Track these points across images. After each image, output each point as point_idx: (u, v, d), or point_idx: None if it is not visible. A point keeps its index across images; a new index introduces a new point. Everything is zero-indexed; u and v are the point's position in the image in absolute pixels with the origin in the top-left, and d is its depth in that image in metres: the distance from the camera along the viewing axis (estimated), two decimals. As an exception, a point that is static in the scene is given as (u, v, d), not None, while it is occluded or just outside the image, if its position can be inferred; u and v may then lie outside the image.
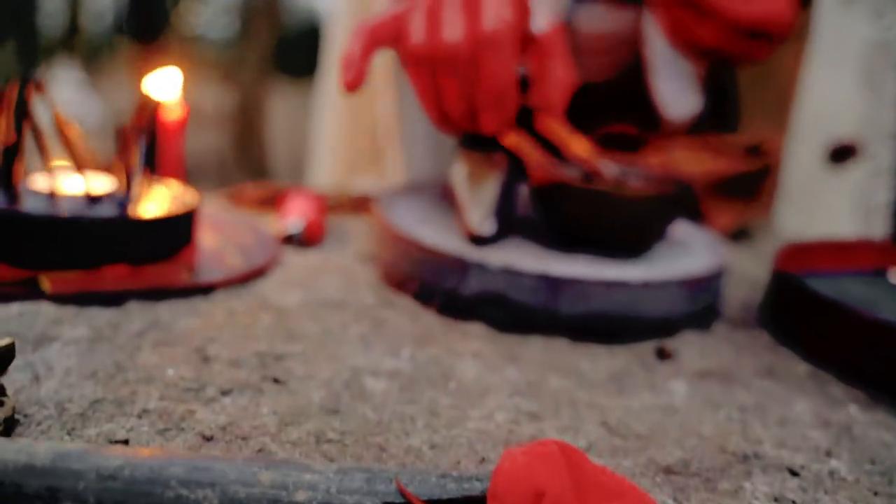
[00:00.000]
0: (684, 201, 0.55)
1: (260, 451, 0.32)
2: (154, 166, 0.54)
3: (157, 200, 0.52)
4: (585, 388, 0.41)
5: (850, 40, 0.79)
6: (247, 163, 4.35)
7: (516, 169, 0.55)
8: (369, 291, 0.52)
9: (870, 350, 0.44)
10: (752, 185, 0.78)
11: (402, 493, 0.27)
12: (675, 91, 0.79)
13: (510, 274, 0.47)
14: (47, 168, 0.51)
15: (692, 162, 0.76)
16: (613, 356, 0.45)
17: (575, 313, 0.47)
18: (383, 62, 0.84)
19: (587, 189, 0.53)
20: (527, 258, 0.50)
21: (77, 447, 0.27)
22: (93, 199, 0.50)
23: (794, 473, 0.34)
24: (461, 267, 0.48)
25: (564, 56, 0.53)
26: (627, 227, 0.53)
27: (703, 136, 0.80)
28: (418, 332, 0.46)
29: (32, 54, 4.90)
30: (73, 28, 4.88)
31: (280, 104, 5.29)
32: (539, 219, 0.56)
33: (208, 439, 0.32)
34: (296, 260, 0.57)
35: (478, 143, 0.54)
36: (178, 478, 0.26)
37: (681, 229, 0.61)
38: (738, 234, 0.78)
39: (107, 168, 0.53)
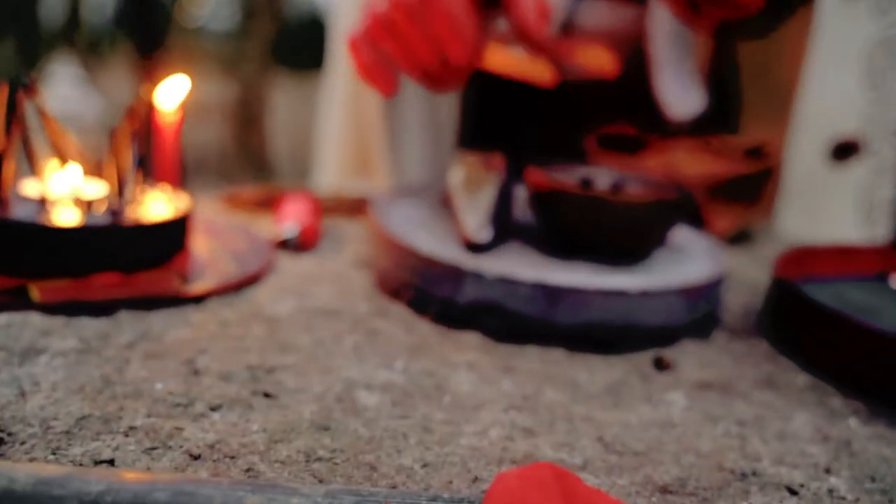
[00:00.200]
0: (684, 207, 0.54)
1: (248, 470, 0.31)
2: (148, 170, 0.53)
3: (149, 206, 0.51)
4: (582, 402, 0.40)
5: (852, 38, 0.79)
6: (247, 156, 4.35)
7: (514, 172, 0.54)
8: (363, 299, 0.51)
9: (869, 360, 0.43)
10: (753, 187, 0.77)
11: (390, 519, 0.26)
12: (679, 89, 0.79)
13: (506, 282, 0.46)
14: (37, 174, 0.50)
15: (693, 164, 0.75)
16: (611, 367, 0.45)
17: (572, 323, 0.46)
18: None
19: (585, 195, 0.52)
20: (523, 266, 0.49)
21: (59, 471, 0.26)
22: (83, 205, 0.49)
23: (792, 492, 0.33)
24: (457, 275, 0.47)
25: None
26: (626, 233, 0.52)
27: (703, 137, 0.79)
28: (413, 343, 0.45)
29: (33, 50, 4.88)
30: (73, 22, 4.86)
31: (281, 96, 5.28)
32: (539, 225, 0.56)
33: (196, 458, 0.32)
34: (290, 266, 0.56)
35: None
36: (162, 503, 0.25)
37: (680, 235, 0.60)
38: (739, 237, 0.77)
39: (99, 172, 0.52)
